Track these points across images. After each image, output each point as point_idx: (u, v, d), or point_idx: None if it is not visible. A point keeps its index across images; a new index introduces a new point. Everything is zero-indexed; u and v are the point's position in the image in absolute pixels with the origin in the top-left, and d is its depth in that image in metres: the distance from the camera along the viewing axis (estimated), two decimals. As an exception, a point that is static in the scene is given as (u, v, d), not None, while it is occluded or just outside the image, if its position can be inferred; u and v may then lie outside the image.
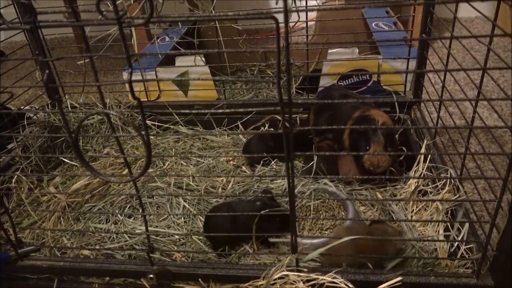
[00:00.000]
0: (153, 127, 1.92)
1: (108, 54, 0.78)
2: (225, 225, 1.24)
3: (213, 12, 1.80)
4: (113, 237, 1.36)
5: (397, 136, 1.49)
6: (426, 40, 1.56)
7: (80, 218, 1.48)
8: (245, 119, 1.85)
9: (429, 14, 1.49)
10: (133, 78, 0.70)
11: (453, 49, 2.59)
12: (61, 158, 1.73)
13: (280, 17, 0.67)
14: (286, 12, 0.65)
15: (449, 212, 1.25)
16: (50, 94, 0.77)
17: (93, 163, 1.73)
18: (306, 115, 1.77)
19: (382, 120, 1.41)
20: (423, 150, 1.45)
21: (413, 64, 1.69)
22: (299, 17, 1.66)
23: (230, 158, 1.72)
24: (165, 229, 1.37)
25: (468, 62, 2.54)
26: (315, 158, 1.50)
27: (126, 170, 1.62)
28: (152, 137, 1.88)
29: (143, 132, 0.74)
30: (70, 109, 1.91)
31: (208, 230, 1.27)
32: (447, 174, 1.32)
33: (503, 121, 0.94)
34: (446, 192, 1.28)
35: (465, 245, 1.12)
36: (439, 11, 1.52)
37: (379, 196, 1.43)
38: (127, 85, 0.67)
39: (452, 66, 1.48)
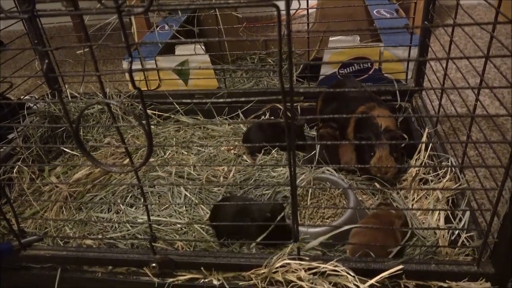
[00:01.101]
0: (153, 116, 1.91)
1: (107, 43, 0.77)
2: (230, 219, 1.24)
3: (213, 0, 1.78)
4: (115, 227, 1.37)
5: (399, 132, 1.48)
6: (428, 28, 1.54)
7: (82, 207, 1.48)
8: (245, 108, 1.85)
9: (431, 1, 1.47)
10: (133, 67, 0.69)
11: (455, 36, 2.57)
12: (62, 148, 1.73)
13: (281, 5, 0.66)
14: (288, -1, 0.64)
15: (450, 200, 1.25)
16: (50, 83, 0.76)
17: (94, 153, 1.73)
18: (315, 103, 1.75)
19: (385, 124, 1.39)
20: (424, 139, 1.45)
21: (414, 52, 1.68)
22: (299, 4, 1.65)
23: (231, 147, 1.72)
24: (167, 218, 1.38)
25: (470, 49, 2.52)
26: (317, 147, 1.50)
27: (127, 160, 1.62)
28: (152, 126, 1.87)
29: (144, 122, 0.73)
30: (70, 98, 1.90)
31: (214, 220, 1.27)
32: (448, 162, 1.32)
33: (505, 109, 0.94)
34: (447, 181, 1.29)
35: (466, 233, 1.12)
36: (441, -2, 1.51)
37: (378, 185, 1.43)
38: (127, 74, 0.66)
39: (454, 54, 1.47)
